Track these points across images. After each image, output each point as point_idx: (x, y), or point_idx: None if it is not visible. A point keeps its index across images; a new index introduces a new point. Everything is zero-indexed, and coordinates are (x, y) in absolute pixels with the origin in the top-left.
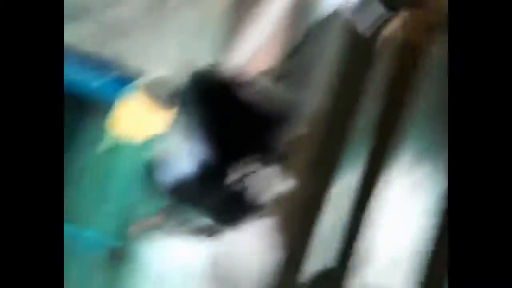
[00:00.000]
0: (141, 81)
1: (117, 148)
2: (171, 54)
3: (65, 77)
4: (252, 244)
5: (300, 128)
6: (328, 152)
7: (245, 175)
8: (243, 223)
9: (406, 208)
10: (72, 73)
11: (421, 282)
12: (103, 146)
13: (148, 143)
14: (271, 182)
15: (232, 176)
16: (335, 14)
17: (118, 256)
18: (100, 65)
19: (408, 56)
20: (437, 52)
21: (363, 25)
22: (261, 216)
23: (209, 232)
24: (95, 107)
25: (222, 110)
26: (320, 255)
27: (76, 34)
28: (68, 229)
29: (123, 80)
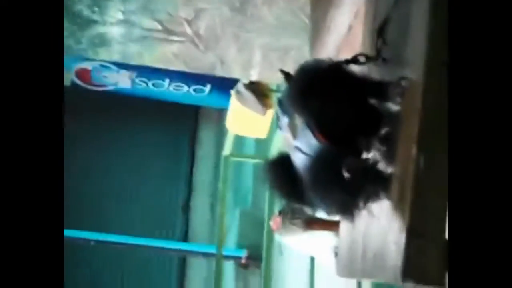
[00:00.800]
0: (237, 88)
1: (238, 150)
2: (260, 56)
3: (173, 91)
4: (380, 227)
5: (402, 105)
6: (432, 126)
7: (358, 162)
8: (361, 210)
9: None
10: (177, 87)
11: None
12: (226, 149)
13: (262, 144)
14: (382, 165)
15: (346, 165)
16: None
17: (247, 265)
18: (198, 76)
19: None
20: None
21: None
22: (380, 199)
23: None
24: (208, 115)
25: (324, 101)
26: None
27: (171, 53)
28: (188, 246)
29: (223, 88)
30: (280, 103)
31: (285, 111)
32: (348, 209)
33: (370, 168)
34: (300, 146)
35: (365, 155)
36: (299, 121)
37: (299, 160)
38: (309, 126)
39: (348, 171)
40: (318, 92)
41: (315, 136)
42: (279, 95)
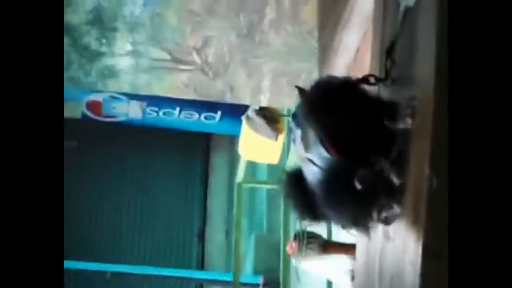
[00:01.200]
0: (247, 114)
1: (251, 176)
2: (269, 81)
3: (183, 120)
4: (395, 248)
5: (413, 125)
6: (444, 145)
7: (370, 173)
8: (374, 222)
9: None
10: (187, 115)
11: None
12: (239, 176)
13: (275, 168)
14: (394, 180)
15: (358, 176)
16: None
17: None
18: (208, 104)
19: None
20: None
21: None
22: (394, 210)
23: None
24: (220, 142)
25: (336, 115)
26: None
27: (180, 81)
28: (205, 274)
29: (234, 115)
30: (293, 116)
31: (298, 124)
32: (362, 221)
33: (383, 179)
34: (312, 158)
35: (377, 167)
36: (311, 134)
37: (311, 173)
38: (320, 138)
39: (360, 182)
40: (331, 105)
41: (326, 149)
42: (289, 119)
